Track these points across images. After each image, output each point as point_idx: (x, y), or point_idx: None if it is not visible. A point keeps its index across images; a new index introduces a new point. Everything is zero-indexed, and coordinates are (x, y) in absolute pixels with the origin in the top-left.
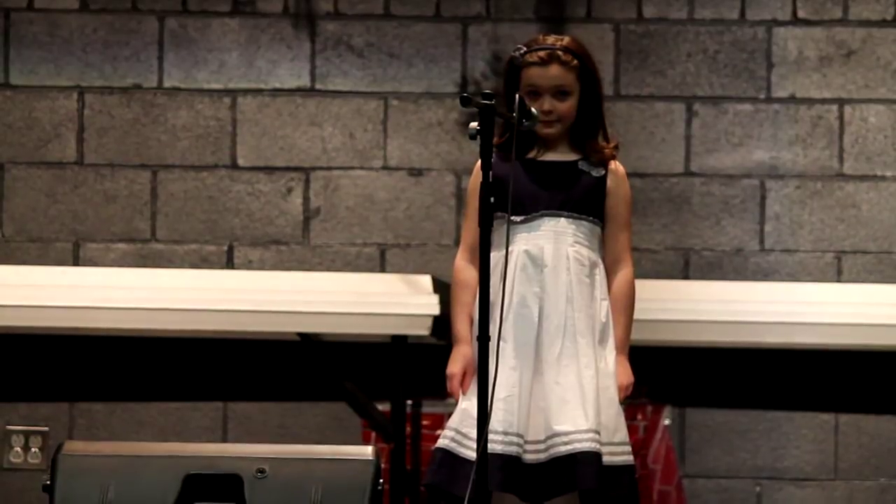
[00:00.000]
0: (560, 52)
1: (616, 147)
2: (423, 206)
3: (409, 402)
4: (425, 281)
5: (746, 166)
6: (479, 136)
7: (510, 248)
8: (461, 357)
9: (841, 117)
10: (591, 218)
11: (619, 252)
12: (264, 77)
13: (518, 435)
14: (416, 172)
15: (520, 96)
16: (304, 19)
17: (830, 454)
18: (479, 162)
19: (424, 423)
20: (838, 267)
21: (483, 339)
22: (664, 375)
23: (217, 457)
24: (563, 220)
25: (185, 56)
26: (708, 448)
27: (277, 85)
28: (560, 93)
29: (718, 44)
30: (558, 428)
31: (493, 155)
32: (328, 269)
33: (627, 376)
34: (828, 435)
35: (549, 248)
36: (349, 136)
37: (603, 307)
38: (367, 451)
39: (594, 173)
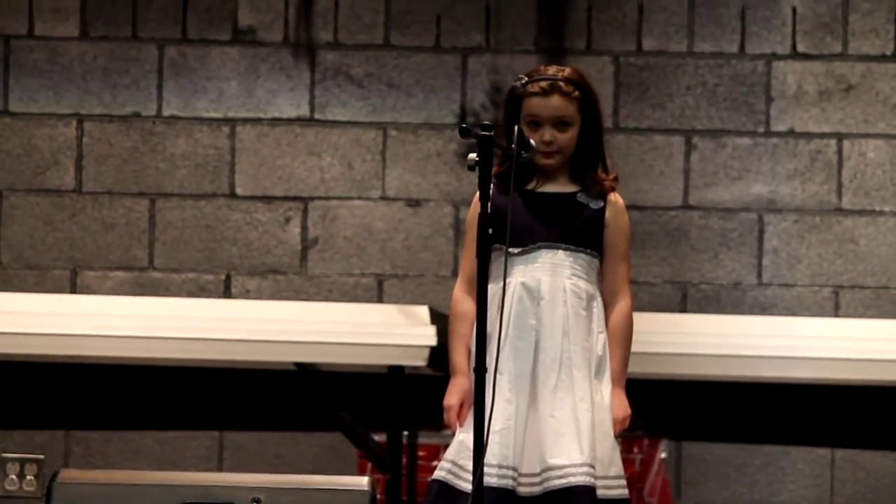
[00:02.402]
0: (562, 83)
1: (616, 179)
2: (420, 237)
3: (406, 432)
4: (422, 312)
5: (745, 200)
6: (477, 167)
7: (507, 280)
8: (458, 389)
9: (839, 152)
10: (588, 250)
11: (618, 284)
12: (263, 106)
13: (513, 468)
14: (414, 203)
15: (519, 127)
16: (303, 49)
17: (827, 489)
18: (478, 193)
19: (420, 454)
20: (836, 301)
21: (479, 370)
22: (661, 409)
23: (212, 486)
24: (560, 252)
25: (185, 84)
26: (704, 482)
27: (276, 114)
28: (561, 123)
29: (718, 77)
30: (553, 461)
31: (492, 186)
32: (325, 299)
33: (624, 409)
34: (824, 470)
35: (546, 280)
36: (348, 166)
37: (599, 340)
38: (363, 481)
39: (593, 205)
